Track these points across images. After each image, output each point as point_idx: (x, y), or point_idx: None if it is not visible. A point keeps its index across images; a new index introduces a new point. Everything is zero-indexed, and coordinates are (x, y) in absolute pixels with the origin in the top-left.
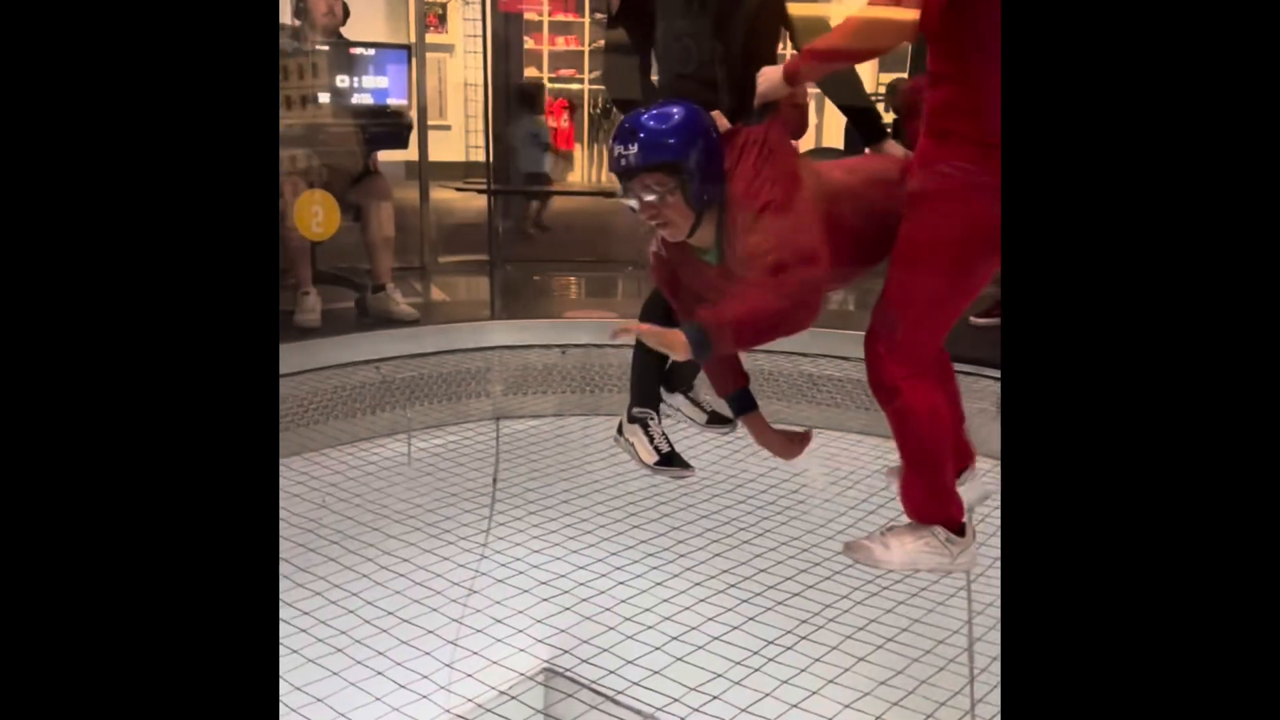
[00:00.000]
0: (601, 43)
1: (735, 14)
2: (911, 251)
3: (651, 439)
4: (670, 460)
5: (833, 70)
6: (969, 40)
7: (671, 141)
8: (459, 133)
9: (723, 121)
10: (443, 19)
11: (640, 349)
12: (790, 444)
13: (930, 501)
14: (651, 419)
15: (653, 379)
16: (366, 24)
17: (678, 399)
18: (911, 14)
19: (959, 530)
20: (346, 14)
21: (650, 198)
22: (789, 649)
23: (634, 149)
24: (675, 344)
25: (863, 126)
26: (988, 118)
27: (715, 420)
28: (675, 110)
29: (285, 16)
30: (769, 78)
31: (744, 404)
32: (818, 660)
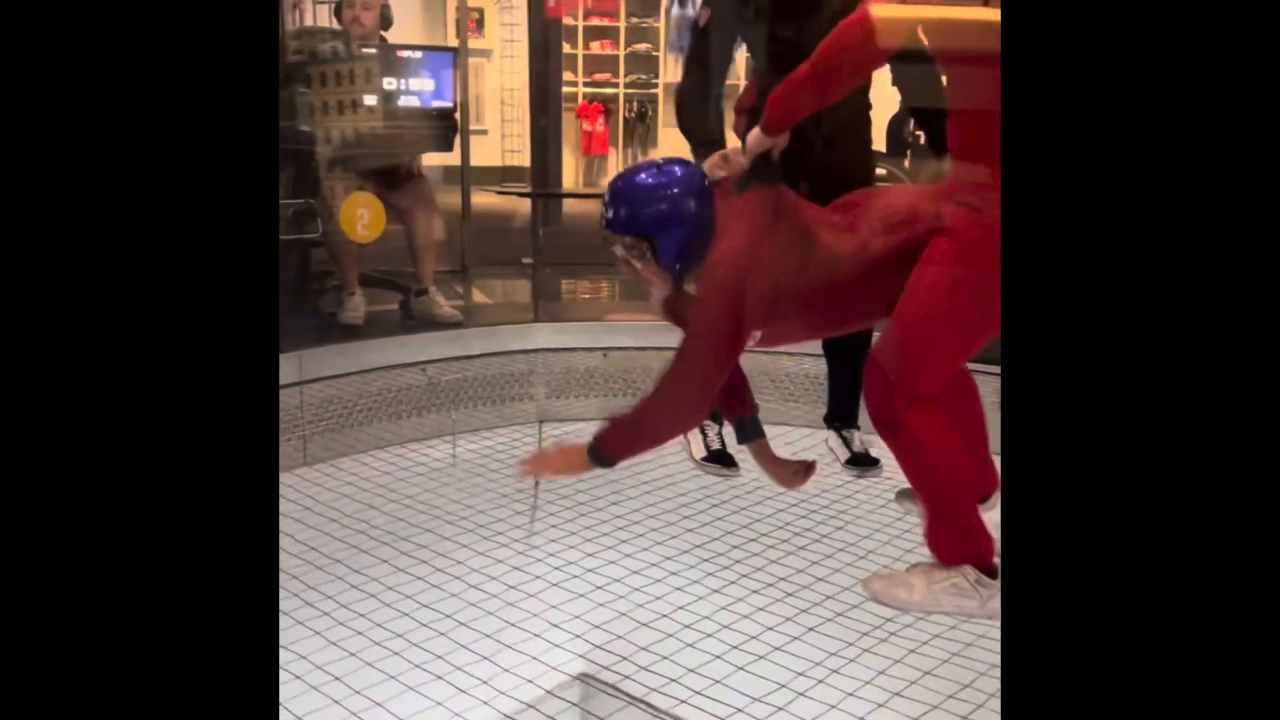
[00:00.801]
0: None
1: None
2: (931, 286)
3: (704, 436)
4: (717, 458)
5: (802, 115)
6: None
7: (648, 212)
8: (495, 137)
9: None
10: (480, 24)
11: None
12: (794, 475)
13: (954, 540)
14: (709, 424)
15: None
16: (404, 28)
17: (830, 434)
18: (877, 41)
19: (990, 571)
20: (387, 21)
21: (628, 259)
22: (850, 660)
23: (612, 213)
24: (575, 466)
25: (937, 133)
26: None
27: (856, 461)
28: (665, 176)
29: (330, 21)
30: (754, 136)
31: (750, 433)
32: (867, 682)
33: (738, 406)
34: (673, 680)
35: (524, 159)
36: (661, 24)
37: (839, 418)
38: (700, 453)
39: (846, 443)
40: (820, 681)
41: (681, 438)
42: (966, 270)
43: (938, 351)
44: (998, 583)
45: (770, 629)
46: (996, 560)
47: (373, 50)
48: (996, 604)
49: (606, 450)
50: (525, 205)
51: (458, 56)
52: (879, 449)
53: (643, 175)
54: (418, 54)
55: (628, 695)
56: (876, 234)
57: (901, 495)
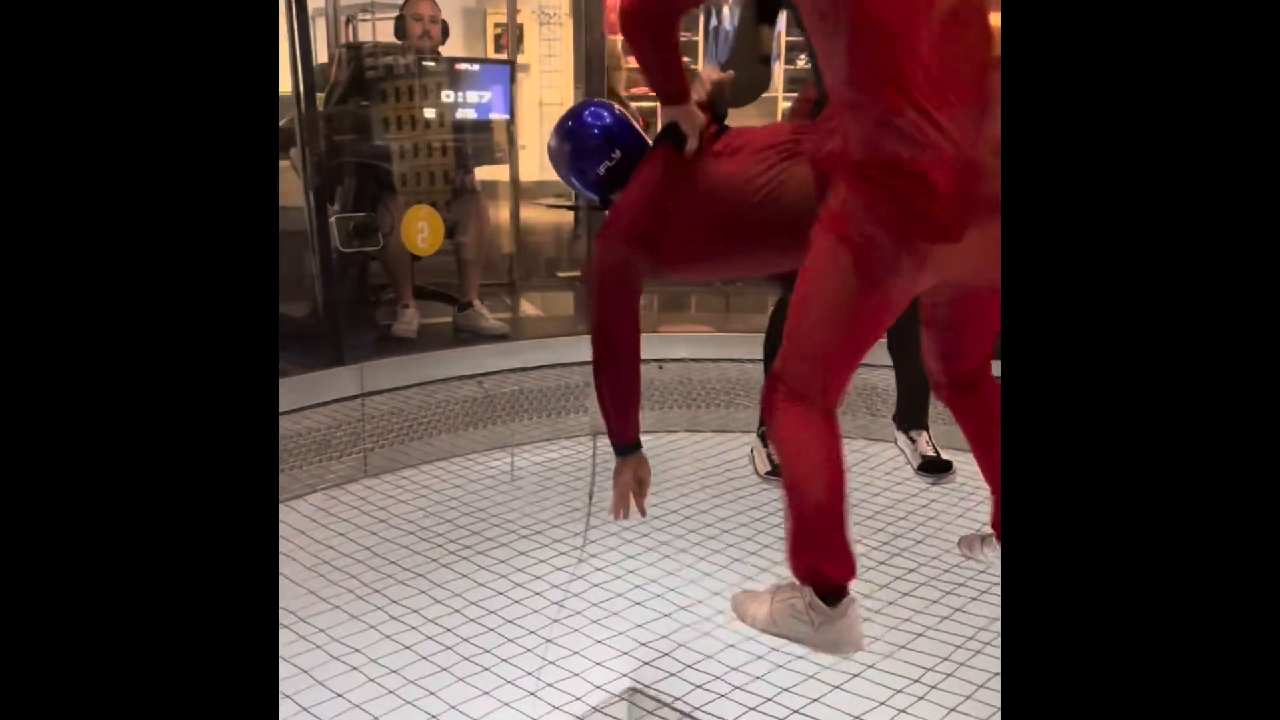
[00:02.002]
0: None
1: None
2: (804, 273)
3: (768, 451)
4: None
5: (659, 81)
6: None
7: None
8: (534, 151)
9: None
10: (520, 39)
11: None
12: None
13: (801, 554)
14: None
15: None
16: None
17: (900, 437)
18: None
19: (831, 596)
20: (446, 33)
21: None
22: (927, 685)
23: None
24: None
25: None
26: (859, 140)
27: (929, 467)
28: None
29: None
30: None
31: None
32: (953, 710)
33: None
34: (721, 696)
35: None
36: (700, 38)
37: (906, 419)
38: (765, 466)
39: (915, 446)
40: (882, 704)
41: (748, 451)
42: (829, 259)
43: (811, 345)
44: (836, 612)
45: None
46: (844, 585)
47: (435, 63)
48: (828, 636)
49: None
50: (568, 219)
51: (514, 70)
52: (952, 452)
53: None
54: (475, 67)
55: (676, 711)
56: (762, 163)
57: (968, 541)
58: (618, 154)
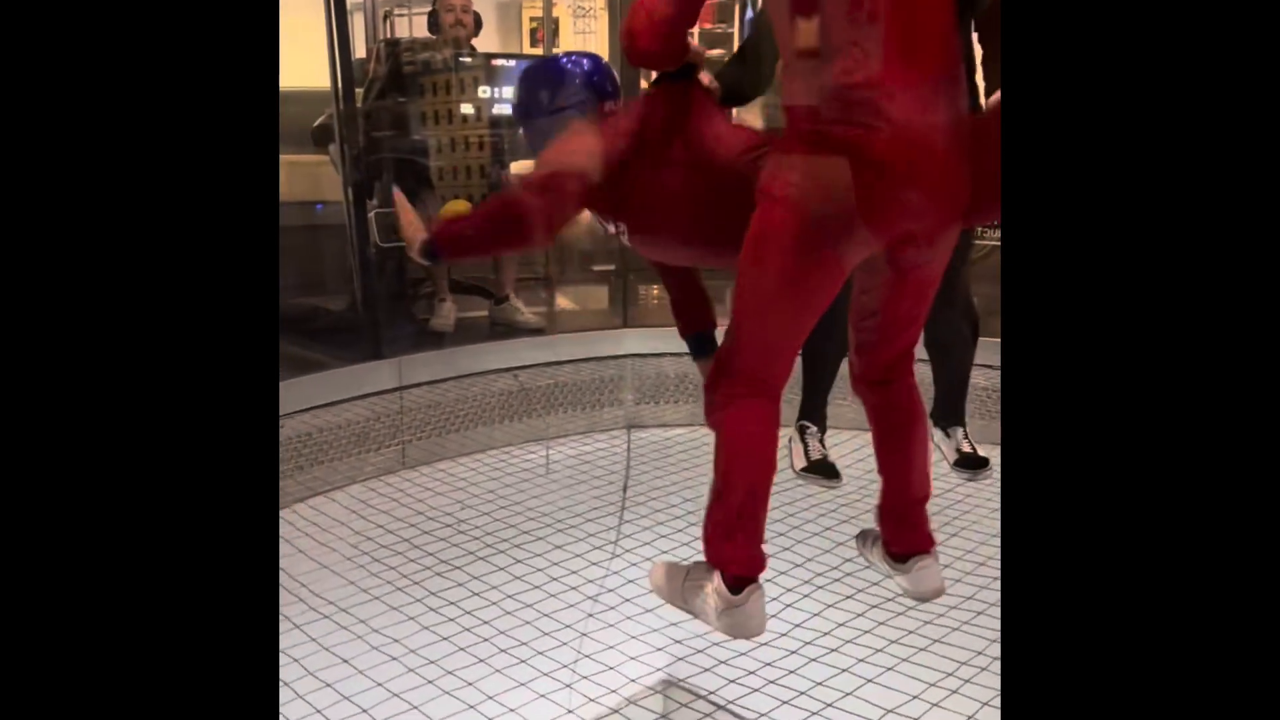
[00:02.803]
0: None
1: None
2: (744, 252)
3: (806, 446)
4: (816, 468)
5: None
6: None
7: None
8: None
9: None
10: (555, 33)
11: (811, 364)
12: None
13: (711, 538)
14: (810, 431)
15: (818, 395)
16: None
17: (937, 433)
18: None
19: (736, 587)
20: (479, 25)
21: None
22: (958, 679)
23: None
24: (410, 241)
25: (991, 76)
26: (803, 107)
27: (965, 463)
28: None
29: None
30: None
31: (702, 348)
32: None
33: (693, 319)
34: (755, 690)
35: None
36: (736, 29)
37: (944, 416)
38: (801, 463)
39: (952, 441)
40: (915, 697)
41: (787, 446)
42: (762, 224)
43: (750, 327)
44: (738, 599)
45: (864, 643)
46: (746, 577)
47: (471, 59)
48: (726, 621)
49: (437, 245)
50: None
51: None
52: (989, 448)
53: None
54: (511, 62)
55: (711, 704)
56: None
57: (862, 538)
58: (583, 101)
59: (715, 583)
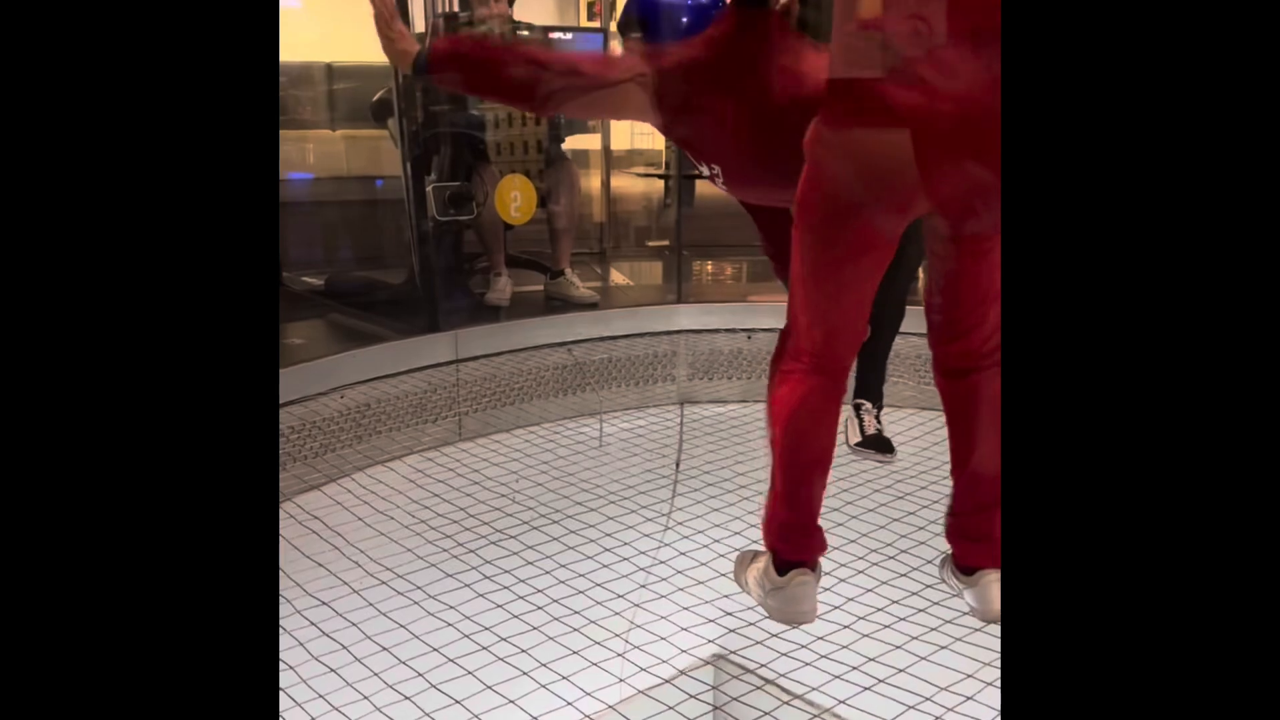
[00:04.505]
0: None
1: None
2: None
3: (861, 422)
4: (871, 443)
5: None
6: None
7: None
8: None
9: None
10: (613, 6)
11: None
12: None
13: (767, 519)
14: (865, 408)
15: (874, 375)
16: (537, 10)
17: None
18: None
19: (782, 567)
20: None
21: None
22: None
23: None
24: (398, 59)
25: None
26: (836, 58)
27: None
28: None
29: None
30: None
31: None
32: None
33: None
34: (806, 665)
35: (651, 141)
36: None
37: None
38: (856, 437)
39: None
40: (969, 676)
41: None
42: (798, 208)
43: (799, 299)
44: (782, 580)
45: (918, 621)
46: (797, 560)
47: (528, 32)
48: (779, 604)
49: (436, 56)
50: (658, 187)
51: (607, 38)
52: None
53: None
54: (569, 35)
55: (760, 677)
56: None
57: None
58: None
59: (764, 564)
